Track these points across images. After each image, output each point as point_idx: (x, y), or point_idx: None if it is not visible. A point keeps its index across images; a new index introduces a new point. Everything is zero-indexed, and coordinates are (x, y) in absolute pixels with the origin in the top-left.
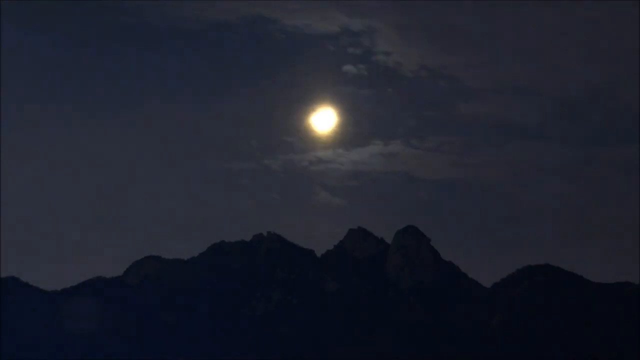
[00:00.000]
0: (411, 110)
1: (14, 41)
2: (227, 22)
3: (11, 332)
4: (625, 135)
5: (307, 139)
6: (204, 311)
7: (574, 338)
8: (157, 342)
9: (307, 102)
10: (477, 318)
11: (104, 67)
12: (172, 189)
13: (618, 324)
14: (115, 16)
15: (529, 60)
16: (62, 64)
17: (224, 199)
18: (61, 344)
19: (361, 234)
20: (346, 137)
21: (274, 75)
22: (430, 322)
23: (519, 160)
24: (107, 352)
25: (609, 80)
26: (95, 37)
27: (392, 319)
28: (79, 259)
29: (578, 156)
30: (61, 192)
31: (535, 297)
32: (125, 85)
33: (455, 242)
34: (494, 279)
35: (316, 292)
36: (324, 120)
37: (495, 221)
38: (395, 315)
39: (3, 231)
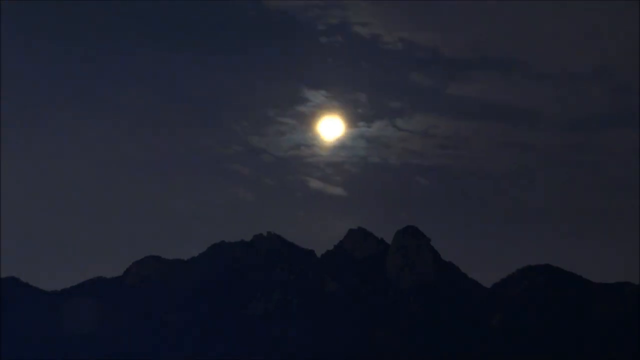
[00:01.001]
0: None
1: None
2: None
3: (11, 332)
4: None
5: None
6: (204, 311)
7: (574, 338)
8: (157, 342)
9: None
10: (477, 318)
11: (104, 67)
12: (172, 189)
13: (618, 324)
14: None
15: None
16: (62, 64)
17: (224, 199)
18: (61, 344)
19: (361, 234)
20: None
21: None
22: (430, 322)
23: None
24: (107, 352)
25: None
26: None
27: (392, 319)
28: (79, 259)
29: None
30: (61, 192)
31: (535, 297)
32: (124, 86)
33: (455, 242)
34: (494, 279)
35: (316, 292)
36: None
37: (496, 221)
38: (395, 315)
39: (3, 231)
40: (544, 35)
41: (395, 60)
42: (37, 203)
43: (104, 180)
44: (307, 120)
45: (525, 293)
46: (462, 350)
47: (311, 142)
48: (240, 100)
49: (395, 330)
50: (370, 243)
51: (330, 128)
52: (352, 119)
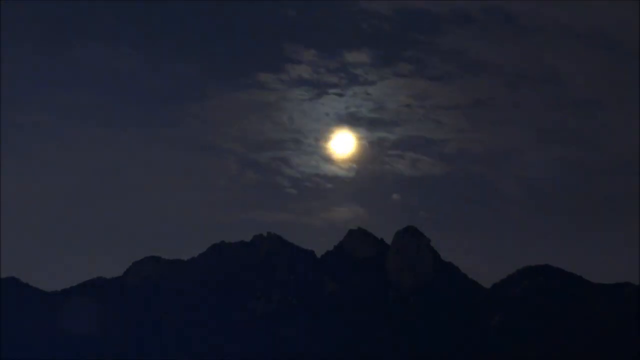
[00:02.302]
0: None
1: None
2: None
3: (11, 332)
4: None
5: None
6: (203, 311)
7: (573, 338)
8: (157, 342)
9: None
10: (476, 318)
11: (104, 67)
12: (172, 188)
13: (618, 324)
14: None
15: None
16: (64, 64)
17: (224, 199)
18: (61, 344)
19: (361, 234)
20: None
21: None
22: (430, 322)
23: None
24: (106, 353)
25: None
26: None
27: (391, 320)
28: (79, 259)
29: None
30: (61, 192)
31: (535, 297)
32: (124, 87)
33: (455, 242)
34: (494, 280)
35: (316, 293)
36: None
37: (496, 221)
38: (395, 315)
39: (3, 231)
40: None
41: None
42: (37, 203)
43: (104, 180)
44: None
45: (525, 293)
46: (462, 351)
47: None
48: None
49: (395, 330)
50: (370, 244)
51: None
52: None
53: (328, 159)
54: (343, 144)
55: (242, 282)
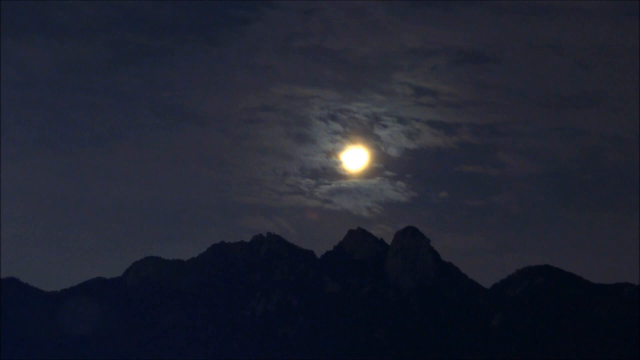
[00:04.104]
0: None
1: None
2: None
3: (10, 333)
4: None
5: None
6: (204, 312)
7: (573, 338)
8: (157, 342)
9: None
10: (477, 319)
11: (104, 67)
12: (172, 188)
13: (618, 324)
14: None
15: None
16: (63, 61)
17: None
18: (61, 345)
19: (361, 234)
20: None
21: None
22: (430, 323)
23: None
24: (106, 353)
25: None
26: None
27: (391, 320)
28: (79, 259)
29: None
30: (61, 192)
31: (535, 297)
32: (124, 87)
33: (455, 242)
34: (494, 280)
35: (316, 293)
36: None
37: (496, 221)
38: (395, 316)
39: (3, 231)
40: None
41: None
42: (37, 203)
43: (104, 180)
44: None
45: (525, 293)
46: (462, 351)
47: None
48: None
49: (395, 330)
50: (370, 244)
51: None
52: None
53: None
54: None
55: (242, 282)
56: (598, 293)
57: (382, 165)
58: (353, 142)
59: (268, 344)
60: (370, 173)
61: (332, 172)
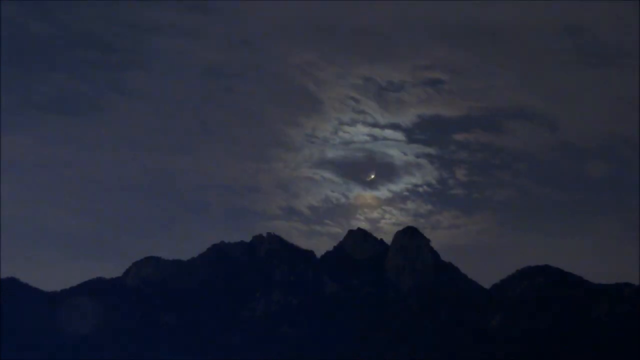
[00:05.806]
0: None
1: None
2: None
3: (10, 333)
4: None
5: None
6: (204, 312)
7: (573, 339)
8: (157, 342)
9: None
10: (476, 319)
11: (103, 67)
12: (172, 188)
13: (618, 325)
14: None
15: None
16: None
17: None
18: (60, 345)
19: (361, 235)
20: None
21: None
22: (430, 323)
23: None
24: (106, 353)
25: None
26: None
27: (391, 320)
28: (79, 259)
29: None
30: (61, 192)
31: (535, 297)
32: (124, 87)
33: (455, 243)
34: (494, 280)
35: (316, 293)
36: None
37: (496, 221)
38: (395, 316)
39: (3, 231)
40: None
41: None
42: (37, 203)
43: (104, 180)
44: None
45: (525, 294)
46: (461, 351)
47: None
48: None
49: (394, 331)
50: (369, 244)
51: None
52: None
53: None
54: None
55: (242, 282)
56: (598, 293)
57: None
58: None
59: (268, 344)
60: None
61: None
